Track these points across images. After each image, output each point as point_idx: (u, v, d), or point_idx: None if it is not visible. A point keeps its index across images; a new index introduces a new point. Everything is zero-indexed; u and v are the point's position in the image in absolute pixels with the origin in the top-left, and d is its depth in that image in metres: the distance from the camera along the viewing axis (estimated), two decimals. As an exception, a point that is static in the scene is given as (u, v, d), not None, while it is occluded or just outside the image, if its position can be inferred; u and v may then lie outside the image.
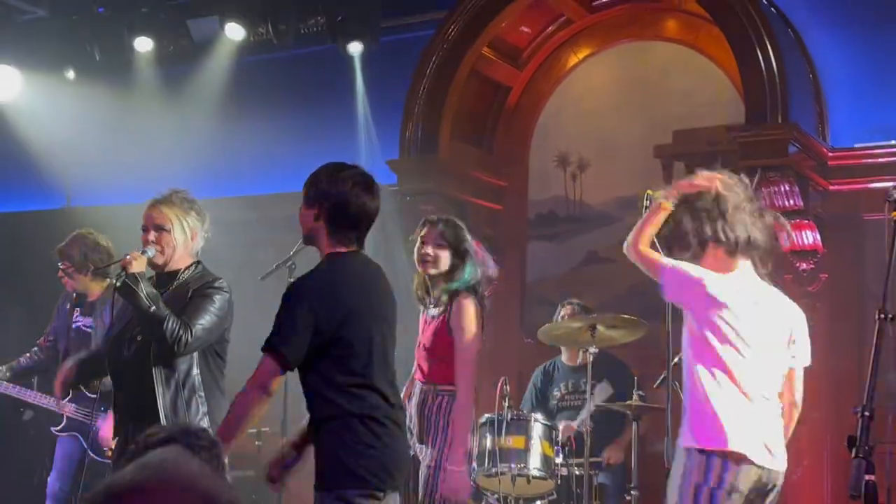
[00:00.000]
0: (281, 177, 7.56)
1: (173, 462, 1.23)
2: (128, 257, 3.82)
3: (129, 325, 3.95)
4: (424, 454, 4.27)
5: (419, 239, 4.36)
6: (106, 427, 4.87)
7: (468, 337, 4.20)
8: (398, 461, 3.26)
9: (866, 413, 2.31)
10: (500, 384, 5.41)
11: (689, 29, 6.56)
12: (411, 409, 4.25)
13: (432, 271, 4.30)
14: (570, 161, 6.90)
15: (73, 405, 5.16)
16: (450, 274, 4.28)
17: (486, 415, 5.42)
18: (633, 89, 6.74)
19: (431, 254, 4.29)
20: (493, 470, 5.24)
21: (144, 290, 3.75)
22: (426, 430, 4.25)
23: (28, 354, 5.52)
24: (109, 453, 4.30)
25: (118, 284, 3.77)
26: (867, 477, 2.22)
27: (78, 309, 5.36)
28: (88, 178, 8.11)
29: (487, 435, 5.38)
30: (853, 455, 2.23)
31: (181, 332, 3.75)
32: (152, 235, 3.95)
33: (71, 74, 7.53)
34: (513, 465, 4.89)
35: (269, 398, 3.19)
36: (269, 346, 3.15)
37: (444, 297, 4.29)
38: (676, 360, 4.43)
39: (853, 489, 2.20)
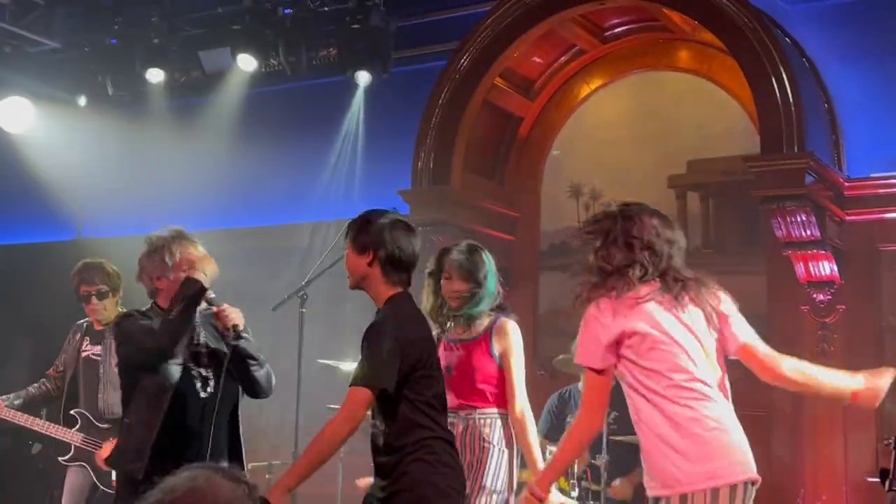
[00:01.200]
0: (293, 207, 7.56)
1: (205, 483, 1.20)
2: (239, 318, 3.77)
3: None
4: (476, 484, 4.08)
5: (441, 273, 4.21)
6: (104, 449, 4.76)
7: (522, 357, 4.18)
8: (464, 479, 3.53)
9: (898, 444, 2.25)
10: (513, 416, 5.36)
11: (702, 59, 6.54)
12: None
13: (457, 304, 4.20)
14: (583, 191, 6.87)
15: (82, 435, 5.11)
16: (472, 299, 4.17)
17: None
18: (647, 120, 6.72)
19: (457, 290, 4.16)
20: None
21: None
22: (474, 458, 4.09)
23: (37, 384, 5.48)
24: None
25: (235, 343, 3.74)
26: (901, 510, 2.15)
27: (87, 338, 5.33)
28: (100, 209, 8.11)
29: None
30: (887, 488, 2.16)
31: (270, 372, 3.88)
32: (202, 276, 3.84)
33: (83, 101, 7.53)
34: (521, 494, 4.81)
35: (356, 428, 3.36)
36: (362, 382, 3.31)
37: (481, 321, 4.19)
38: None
39: (887, 523, 2.13)
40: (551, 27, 6.53)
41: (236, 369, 3.81)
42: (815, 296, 5.93)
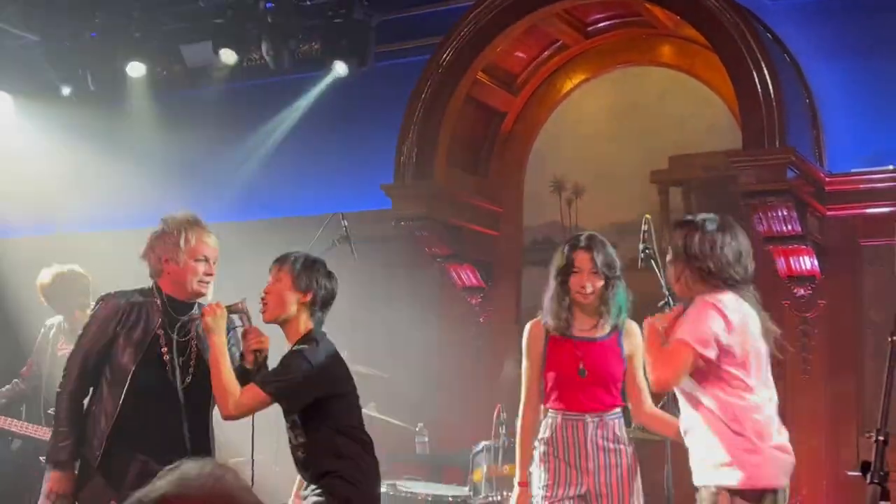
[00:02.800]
0: (275, 202, 7.54)
1: (213, 475, 1.19)
2: (263, 341, 3.76)
3: (151, 351, 3.78)
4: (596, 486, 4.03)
5: (572, 266, 4.07)
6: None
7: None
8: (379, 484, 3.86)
9: (881, 437, 2.26)
10: (496, 411, 5.36)
11: (684, 54, 6.55)
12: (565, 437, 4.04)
13: (589, 301, 4.06)
14: (565, 186, 6.88)
15: None
16: (603, 297, 4.05)
17: (483, 442, 5.37)
18: (629, 115, 6.72)
19: (590, 288, 4.03)
20: (490, 498, 5.18)
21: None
22: (604, 460, 4.03)
23: (10, 385, 5.44)
24: None
25: (256, 369, 3.72)
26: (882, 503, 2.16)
27: (63, 337, 5.28)
28: (80, 204, 8.06)
29: (483, 463, 5.33)
30: (868, 481, 2.17)
31: None
32: (212, 269, 3.89)
33: (66, 91, 7.46)
34: (509, 493, 4.81)
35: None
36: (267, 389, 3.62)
37: (611, 322, 4.08)
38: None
39: (868, 517, 2.14)
40: (534, 22, 6.53)
41: None
42: (795, 291, 5.96)
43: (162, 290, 3.86)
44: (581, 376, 4.01)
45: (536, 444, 4.12)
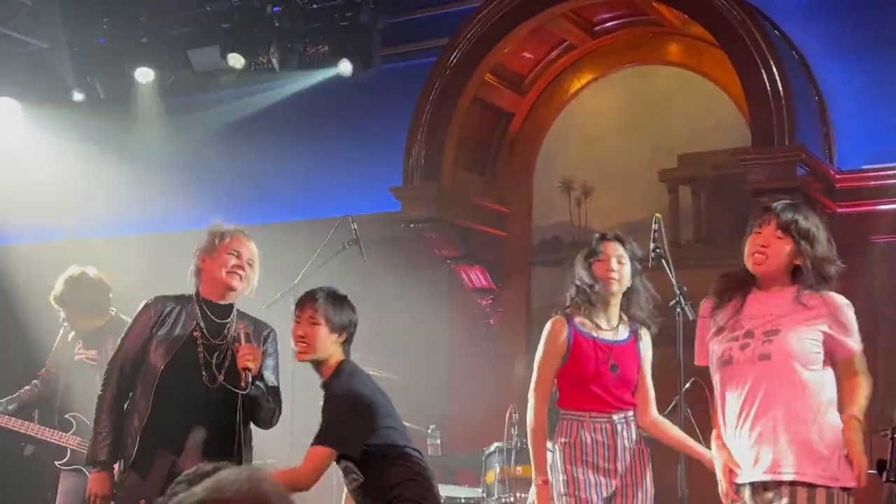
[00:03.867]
0: (285, 205, 7.54)
1: (249, 480, 1.19)
2: (251, 363, 3.77)
3: (184, 352, 3.86)
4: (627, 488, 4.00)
5: (598, 254, 4.06)
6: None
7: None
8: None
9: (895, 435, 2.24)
10: (508, 412, 5.35)
11: (692, 53, 6.54)
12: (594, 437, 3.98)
13: (616, 288, 4.04)
14: (574, 186, 6.87)
15: (78, 438, 5.09)
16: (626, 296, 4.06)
17: (495, 443, 5.36)
18: (637, 114, 6.71)
19: (616, 275, 4.01)
20: (503, 499, 5.18)
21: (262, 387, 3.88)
22: (630, 461, 4.01)
23: (28, 387, 5.45)
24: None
25: (248, 392, 3.75)
26: (899, 502, 2.15)
27: (80, 342, 5.30)
28: (91, 209, 8.07)
29: (496, 464, 5.32)
30: (885, 479, 2.15)
31: (280, 412, 3.99)
32: (247, 270, 3.96)
33: (78, 96, 7.47)
34: (522, 495, 4.81)
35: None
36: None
37: (630, 327, 4.08)
38: (689, 385, 4.37)
39: (885, 515, 2.13)
40: (541, 23, 6.52)
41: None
42: (807, 289, 5.93)
43: (200, 294, 3.98)
44: (613, 372, 3.97)
45: (553, 447, 4.06)
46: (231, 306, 4.00)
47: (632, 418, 4.03)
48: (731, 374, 3.41)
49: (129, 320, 4.07)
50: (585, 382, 3.97)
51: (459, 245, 6.75)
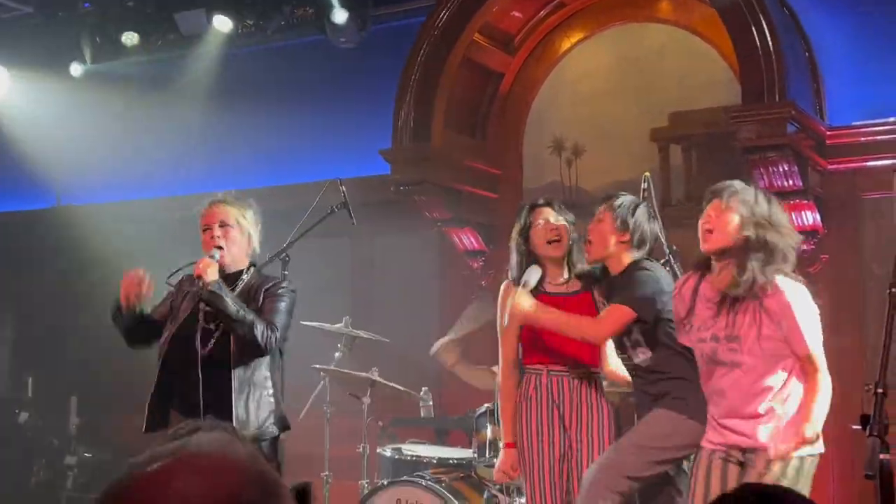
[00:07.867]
0: (273, 169, 7.50)
1: (222, 443, 1.15)
2: (200, 266, 3.84)
3: (188, 320, 3.94)
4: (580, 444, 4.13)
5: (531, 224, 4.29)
6: None
7: None
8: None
9: (880, 390, 2.25)
10: (497, 374, 5.36)
11: (683, 10, 6.48)
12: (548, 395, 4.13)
13: (559, 252, 4.26)
14: (565, 147, 6.83)
15: None
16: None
17: (486, 405, 5.37)
18: (628, 72, 6.66)
19: (556, 237, 4.24)
20: (494, 460, 5.19)
21: (228, 295, 3.84)
22: (587, 415, 4.13)
23: None
24: None
25: (202, 295, 3.81)
26: (882, 456, 2.15)
27: None
28: (78, 175, 8.03)
29: (487, 425, 5.33)
30: (867, 433, 2.16)
31: (269, 332, 3.87)
32: (218, 232, 4.00)
33: (76, 69, 7.41)
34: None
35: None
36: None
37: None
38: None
39: (868, 468, 2.13)
40: (530, -19, 6.46)
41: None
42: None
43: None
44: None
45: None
46: (239, 273, 4.05)
47: (594, 374, 4.11)
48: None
49: None
50: (538, 337, 4.06)
51: (450, 207, 6.72)
